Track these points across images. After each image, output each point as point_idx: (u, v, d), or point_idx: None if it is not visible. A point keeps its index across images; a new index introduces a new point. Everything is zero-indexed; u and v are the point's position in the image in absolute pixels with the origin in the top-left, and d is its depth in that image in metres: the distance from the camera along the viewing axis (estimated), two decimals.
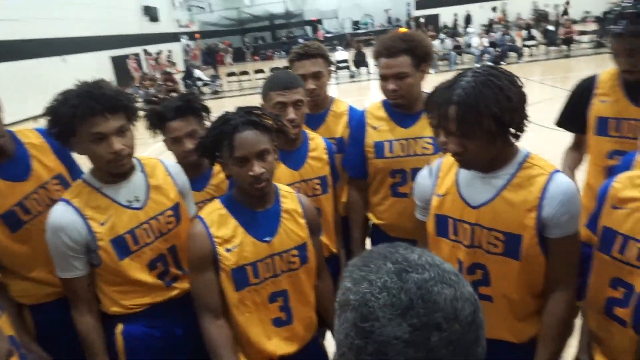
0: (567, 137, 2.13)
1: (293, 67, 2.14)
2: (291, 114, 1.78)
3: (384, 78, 1.91)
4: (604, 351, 1.34)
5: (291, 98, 1.79)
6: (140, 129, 1.61)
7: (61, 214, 1.46)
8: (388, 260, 0.62)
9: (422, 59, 1.89)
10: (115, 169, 1.49)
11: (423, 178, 1.54)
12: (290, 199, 1.57)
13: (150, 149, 4.79)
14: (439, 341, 0.56)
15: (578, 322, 1.45)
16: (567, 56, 14.32)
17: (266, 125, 1.44)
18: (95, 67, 16.03)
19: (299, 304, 1.55)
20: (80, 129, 1.40)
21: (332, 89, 12.89)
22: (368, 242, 2.22)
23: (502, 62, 13.46)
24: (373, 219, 2.08)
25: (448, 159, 1.46)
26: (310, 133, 1.99)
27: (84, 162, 1.63)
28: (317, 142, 1.96)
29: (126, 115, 1.48)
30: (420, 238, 1.57)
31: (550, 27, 15.91)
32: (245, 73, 16.12)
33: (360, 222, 2.10)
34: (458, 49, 15.13)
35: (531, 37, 15.65)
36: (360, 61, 15.12)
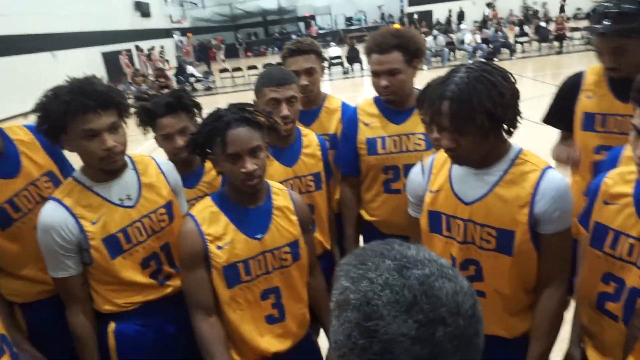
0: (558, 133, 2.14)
1: (286, 64, 2.13)
2: (285, 110, 1.78)
3: (375, 74, 1.91)
4: (595, 345, 1.35)
5: (285, 94, 1.78)
6: (131, 126, 1.60)
7: (52, 213, 1.44)
8: (386, 258, 0.61)
9: (414, 55, 1.88)
10: (108, 166, 1.47)
11: (416, 174, 1.54)
12: (281, 196, 1.56)
13: (143, 146, 4.76)
14: (444, 336, 0.55)
15: (568, 316, 1.46)
16: (560, 52, 14.41)
17: (258, 122, 1.44)
18: (86, 63, 15.86)
19: (292, 301, 1.55)
20: (71, 125, 1.39)
21: (326, 86, 12.88)
22: (361, 239, 2.22)
23: (494, 59, 13.51)
24: (366, 216, 2.08)
25: (441, 155, 1.46)
26: (303, 129, 1.98)
27: (75, 159, 1.62)
28: (310, 138, 1.95)
29: (118, 112, 1.46)
30: (413, 234, 1.57)
31: (543, 24, 15.99)
32: (238, 69, 16.05)
33: (353, 219, 2.10)
34: (451, 46, 15.17)
35: (524, 34, 15.72)
36: (353, 57, 15.11)
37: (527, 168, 1.31)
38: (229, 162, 1.41)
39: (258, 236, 1.47)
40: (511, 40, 15.15)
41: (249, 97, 1.81)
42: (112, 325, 1.55)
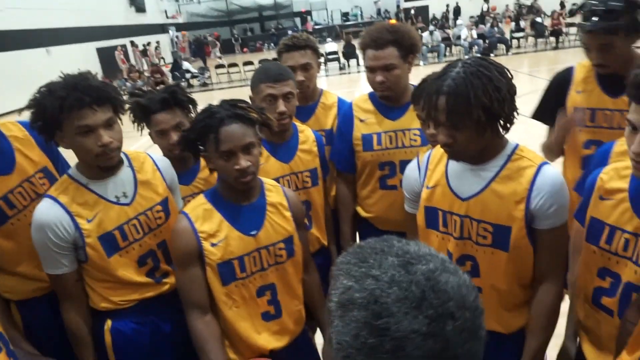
0: None
1: (282, 59, 2.12)
2: (281, 106, 1.77)
3: (371, 70, 1.90)
4: (591, 340, 1.36)
5: (281, 90, 1.77)
6: (127, 123, 1.59)
7: (47, 211, 1.43)
8: (388, 254, 0.60)
9: (409, 50, 1.88)
10: (104, 162, 1.46)
11: (412, 170, 1.54)
12: (275, 192, 1.56)
13: (139, 143, 4.74)
14: (454, 329, 0.55)
15: (563, 309, 1.46)
16: (556, 48, 14.41)
17: (251, 119, 1.43)
18: (81, 59, 15.79)
19: (288, 297, 1.55)
20: (66, 121, 1.37)
21: (322, 81, 12.85)
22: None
23: (490, 55, 13.50)
24: (362, 213, 2.08)
25: (437, 151, 1.46)
26: (300, 125, 1.98)
27: (69, 156, 1.61)
28: (306, 134, 1.95)
29: (113, 108, 1.45)
30: (410, 230, 1.57)
31: (539, 19, 15.98)
32: (234, 65, 15.98)
33: (350, 216, 2.09)
34: (447, 41, 15.14)
35: (519, 29, 15.71)
36: (350, 53, 15.07)
37: (523, 164, 1.31)
38: (222, 159, 1.40)
39: (252, 233, 1.47)
40: (507, 35, 15.14)
41: (245, 93, 1.81)
42: (108, 323, 1.55)
